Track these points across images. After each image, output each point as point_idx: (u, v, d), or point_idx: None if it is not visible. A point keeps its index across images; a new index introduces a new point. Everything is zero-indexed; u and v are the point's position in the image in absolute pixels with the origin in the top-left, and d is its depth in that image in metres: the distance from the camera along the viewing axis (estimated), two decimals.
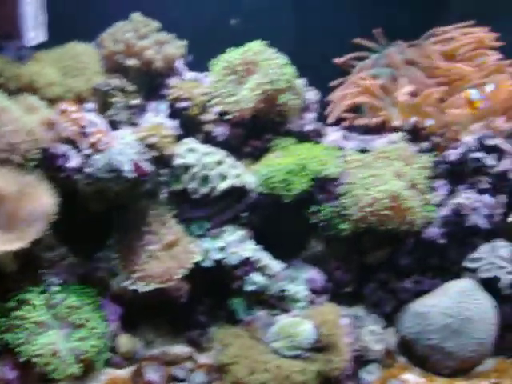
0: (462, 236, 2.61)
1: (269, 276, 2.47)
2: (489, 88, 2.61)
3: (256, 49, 2.65)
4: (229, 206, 2.48)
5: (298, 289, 2.52)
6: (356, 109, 2.87)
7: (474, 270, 2.62)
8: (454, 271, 2.66)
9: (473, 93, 2.61)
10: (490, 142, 2.62)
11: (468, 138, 2.61)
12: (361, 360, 2.49)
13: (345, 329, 2.44)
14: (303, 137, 2.69)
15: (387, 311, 2.67)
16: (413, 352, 2.59)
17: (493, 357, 2.63)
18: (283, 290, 2.51)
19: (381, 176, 2.52)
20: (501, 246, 2.63)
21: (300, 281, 2.56)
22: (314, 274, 2.59)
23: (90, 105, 2.46)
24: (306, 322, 2.40)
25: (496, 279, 2.59)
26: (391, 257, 2.65)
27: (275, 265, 2.48)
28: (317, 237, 2.64)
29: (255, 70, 2.61)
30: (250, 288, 2.45)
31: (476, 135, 2.61)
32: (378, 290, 2.67)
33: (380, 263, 2.67)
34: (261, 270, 2.46)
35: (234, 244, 2.45)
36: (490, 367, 2.59)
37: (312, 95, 2.77)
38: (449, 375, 2.55)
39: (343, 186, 2.55)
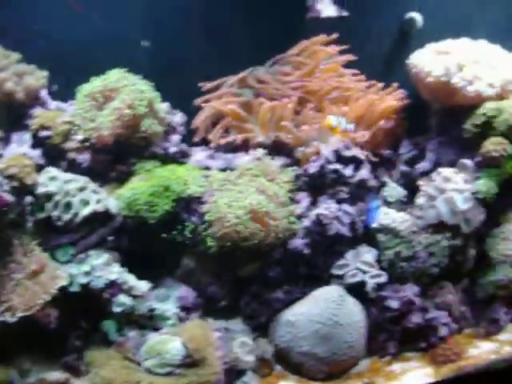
0: (327, 245, 2.71)
1: (136, 296, 2.52)
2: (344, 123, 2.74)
3: (117, 76, 2.72)
4: (93, 231, 2.53)
5: (166, 307, 2.58)
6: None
7: (341, 277, 2.73)
8: (324, 279, 2.76)
9: (332, 119, 2.74)
10: (347, 153, 2.74)
11: (325, 151, 2.73)
12: (234, 372, 2.55)
13: (215, 342, 2.50)
14: (168, 159, 2.76)
15: (263, 322, 2.74)
16: (288, 360, 2.67)
17: (366, 358, 2.73)
18: (152, 309, 2.56)
19: (243, 192, 2.61)
20: (364, 252, 2.75)
21: (171, 299, 2.62)
22: (185, 292, 2.65)
23: None
24: (175, 339, 2.46)
25: (362, 283, 2.70)
26: (262, 269, 2.73)
27: (142, 285, 2.54)
28: (188, 255, 2.71)
29: (115, 96, 2.67)
30: (118, 309, 2.50)
31: (333, 147, 2.73)
32: (252, 302, 2.74)
33: (253, 276, 2.74)
34: (128, 291, 2.51)
35: (100, 267, 2.49)
36: (364, 368, 2.70)
37: (178, 118, 2.86)
38: (324, 379, 2.63)
39: (206, 204, 2.63)
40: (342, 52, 2.98)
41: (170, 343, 2.45)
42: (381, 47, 3.14)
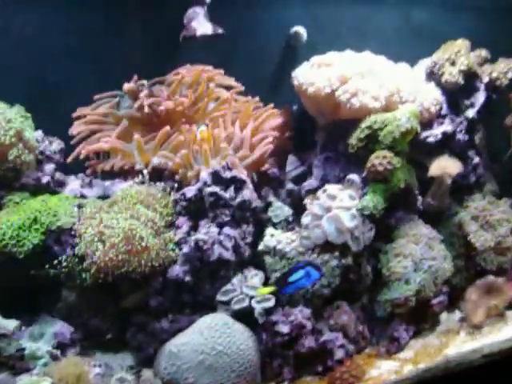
0: (211, 270, 2.61)
1: (3, 336, 2.41)
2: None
3: None
4: None
5: (38, 345, 2.46)
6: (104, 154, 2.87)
7: (227, 303, 2.63)
8: (212, 306, 2.65)
9: (203, 130, 2.67)
10: (227, 174, 2.65)
11: (203, 174, 2.64)
12: None
13: (90, 380, 2.40)
14: (41, 189, 2.67)
15: (150, 353, 2.63)
16: None
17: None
18: (21, 349, 2.45)
19: (116, 220, 2.51)
20: (251, 275, 2.65)
21: (46, 336, 2.51)
22: (61, 327, 2.54)
23: None
24: (45, 380, 2.35)
25: (250, 309, 2.60)
26: (145, 299, 2.63)
27: (8, 324, 2.43)
28: (67, 289, 2.60)
29: None
30: None
31: (211, 169, 2.64)
32: (138, 334, 2.64)
33: (136, 306, 2.64)
34: None
35: None
36: None
37: (54, 145, 2.76)
38: None
39: (78, 235, 2.52)
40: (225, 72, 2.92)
41: None
42: (268, 63, 3.07)
